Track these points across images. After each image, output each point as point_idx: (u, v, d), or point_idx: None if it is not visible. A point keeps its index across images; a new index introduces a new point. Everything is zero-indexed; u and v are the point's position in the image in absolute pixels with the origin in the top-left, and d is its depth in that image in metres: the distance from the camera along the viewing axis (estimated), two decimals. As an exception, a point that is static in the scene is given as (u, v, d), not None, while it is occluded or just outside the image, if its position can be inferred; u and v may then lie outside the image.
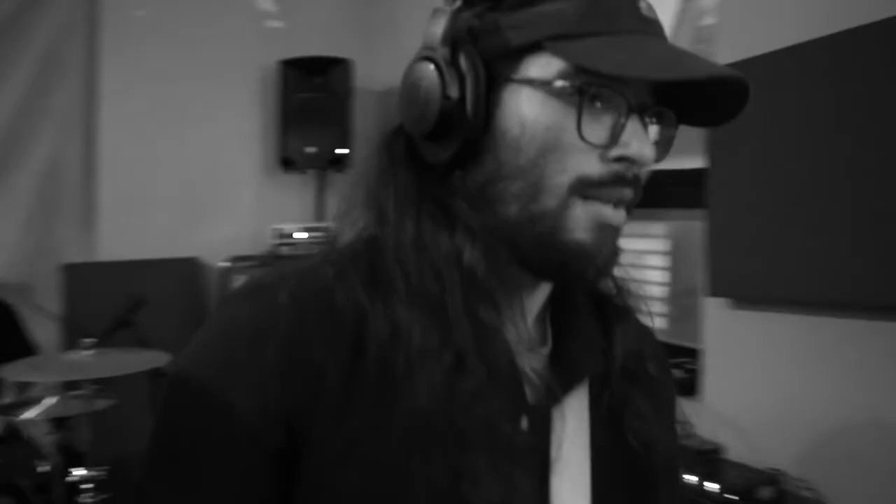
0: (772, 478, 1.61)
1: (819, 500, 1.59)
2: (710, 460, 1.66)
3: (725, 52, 1.89)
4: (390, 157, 0.60)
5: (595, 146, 0.54)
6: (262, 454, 0.52)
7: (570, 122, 0.53)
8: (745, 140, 1.76)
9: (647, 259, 2.46)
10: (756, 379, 1.83)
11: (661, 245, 2.43)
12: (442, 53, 0.56)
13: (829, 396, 1.62)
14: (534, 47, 0.54)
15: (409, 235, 0.56)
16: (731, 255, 1.84)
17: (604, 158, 0.54)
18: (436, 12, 0.58)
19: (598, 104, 0.54)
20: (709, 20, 2.09)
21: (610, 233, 0.56)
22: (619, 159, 0.54)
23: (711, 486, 1.59)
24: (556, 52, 0.53)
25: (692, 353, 2.05)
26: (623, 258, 0.60)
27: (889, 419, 1.50)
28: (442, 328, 0.54)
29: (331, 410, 0.52)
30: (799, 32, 1.66)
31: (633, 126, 0.54)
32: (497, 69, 0.55)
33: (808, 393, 1.52)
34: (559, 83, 0.53)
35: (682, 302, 2.27)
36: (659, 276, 2.41)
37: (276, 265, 0.61)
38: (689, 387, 1.99)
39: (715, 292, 1.91)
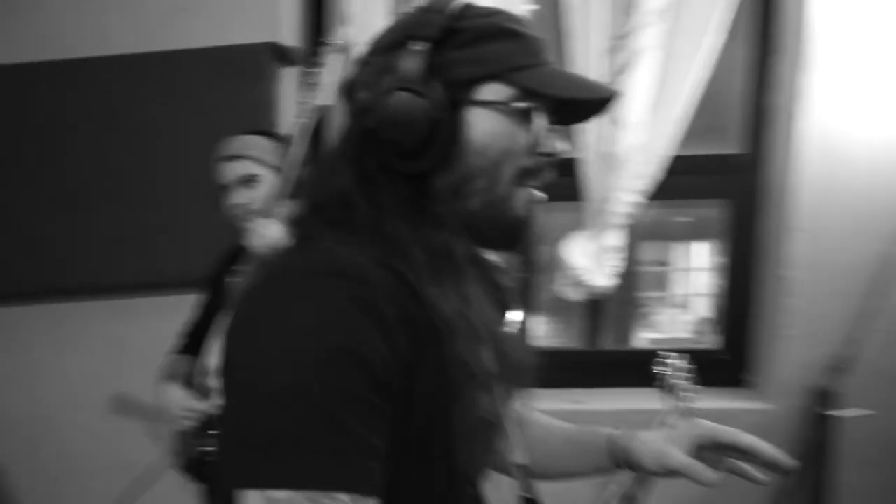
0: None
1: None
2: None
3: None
4: (367, 171, 0.72)
5: (535, 147, 0.73)
6: (390, 395, 0.62)
7: (520, 131, 0.72)
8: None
9: None
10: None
11: None
12: (421, 86, 0.69)
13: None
14: (486, 77, 0.71)
15: (407, 235, 0.70)
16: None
17: (534, 154, 0.73)
18: (405, 51, 0.70)
19: (533, 116, 0.72)
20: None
21: (537, 207, 0.75)
22: (545, 154, 0.73)
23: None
24: (514, 82, 0.71)
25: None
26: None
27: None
28: (456, 296, 0.70)
29: (424, 350, 0.65)
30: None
31: (551, 129, 0.74)
32: (459, 95, 0.70)
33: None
34: (518, 105, 0.71)
35: None
36: None
37: (307, 253, 0.68)
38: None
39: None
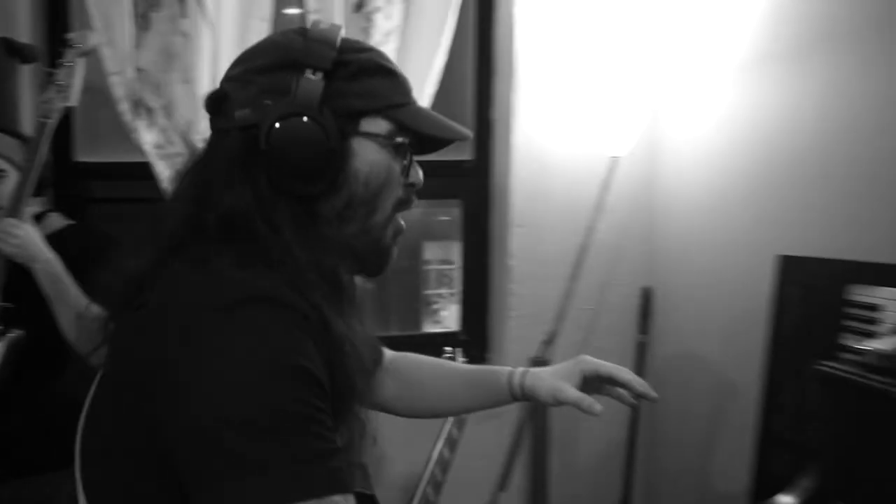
0: None
1: None
2: None
3: None
4: (261, 190, 0.71)
5: (408, 179, 0.78)
6: (328, 397, 0.64)
7: (396, 163, 0.76)
8: None
9: None
10: None
11: None
12: (317, 114, 0.70)
13: None
14: (371, 111, 0.74)
15: (304, 259, 0.70)
16: None
17: (403, 185, 0.78)
18: (300, 77, 0.71)
19: (407, 150, 0.78)
20: None
21: (400, 236, 0.81)
22: (410, 185, 0.79)
23: None
24: (392, 118, 0.75)
25: None
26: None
27: None
28: (341, 318, 0.72)
29: (333, 362, 0.68)
30: None
31: (415, 163, 0.80)
32: (346, 125, 0.73)
33: None
34: (398, 139, 0.76)
35: None
36: None
37: (217, 281, 0.66)
38: None
39: None
